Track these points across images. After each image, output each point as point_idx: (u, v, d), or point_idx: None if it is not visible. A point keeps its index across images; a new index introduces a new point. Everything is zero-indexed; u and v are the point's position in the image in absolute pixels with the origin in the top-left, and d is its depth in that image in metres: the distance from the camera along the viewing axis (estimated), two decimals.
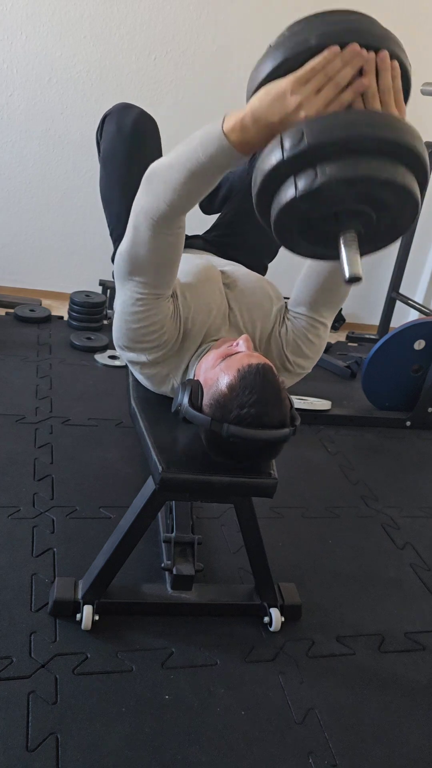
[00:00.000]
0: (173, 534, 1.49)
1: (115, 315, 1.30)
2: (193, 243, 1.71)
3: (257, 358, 1.14)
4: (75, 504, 1.71)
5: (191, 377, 1.27)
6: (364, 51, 0.87)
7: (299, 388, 2.53)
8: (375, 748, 1.22)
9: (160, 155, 1.62)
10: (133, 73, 2.88)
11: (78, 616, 1.33)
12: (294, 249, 1.06)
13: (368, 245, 1.00)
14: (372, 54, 0.88)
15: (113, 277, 1.68)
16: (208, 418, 1.11)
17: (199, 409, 1.14)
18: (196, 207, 2.03)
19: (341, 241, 0.92)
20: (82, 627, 1.32)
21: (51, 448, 1.94)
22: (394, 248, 3.41)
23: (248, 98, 0.96)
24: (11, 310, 2.90)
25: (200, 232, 1.80)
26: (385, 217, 0.94)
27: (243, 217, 1.72)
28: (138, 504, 1.29)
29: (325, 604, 1.56)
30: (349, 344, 3.44)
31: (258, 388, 1.09)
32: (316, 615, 1.51)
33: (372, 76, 0.88)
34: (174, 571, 1.41)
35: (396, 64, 0.91)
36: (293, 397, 1.20)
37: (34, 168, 2.96)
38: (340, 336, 3.55)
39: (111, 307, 3.03)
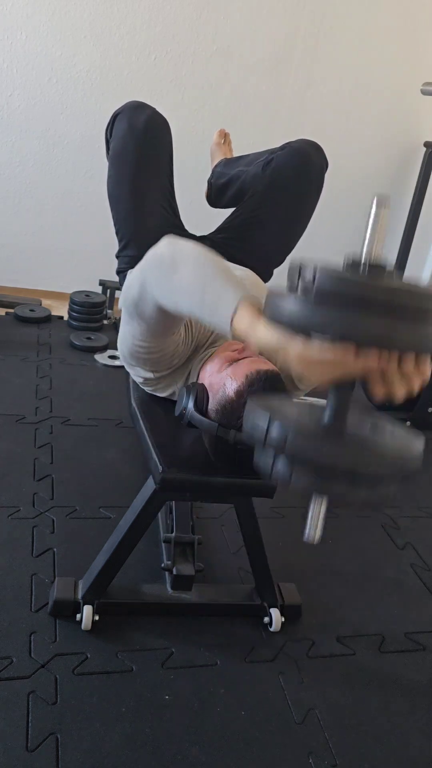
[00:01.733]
0: (173, 534, 1.49)
1: (121, 333, 1.29)
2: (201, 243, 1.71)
3: (265, 364, 1.13)
4: (75, 504, 1.71)
5: (194, 380, 1.27)
6: (385, 358, 0.77)
7: None
8: (375, 748, 1.22)
9: (170, 156, 1.63)
10: (133, 73, 2.87)
11: (78, 616, 1.33)
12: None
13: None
14: (394, 358, 0.78)
15: (117, 274, 1.69)
16: (215, 423, 1.10)
17: (205, 413, 1.14)
18: (203, 205, 2.03)
19: (311, 501, 0.87)
20: (82, 627, 1.32)
21: (51, 448, 1.94)
22: (394, 248, 3.41)
23: (264, 310, 0.87)
24: (11, 310, 2.90)
25: (206, 233, 1.79)
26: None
27: (253, 223, 1.72)
28: (138, 504, 1.29)
29: (325, 604, 1.56)
30: None
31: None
32: (316, 615, 1.51)
33: (392, 368, 0.78)
34: (174, 571, 1.41)
35: (426, 363, 0.80)
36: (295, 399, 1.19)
37: (34, 168, 2.96)
38: None
39: (111, 307, 3.03)
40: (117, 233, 1.64)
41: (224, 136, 2.21)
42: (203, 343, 1.32)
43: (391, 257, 3.47)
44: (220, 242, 1.75)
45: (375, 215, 0.77)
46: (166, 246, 1.08)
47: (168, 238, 1.10)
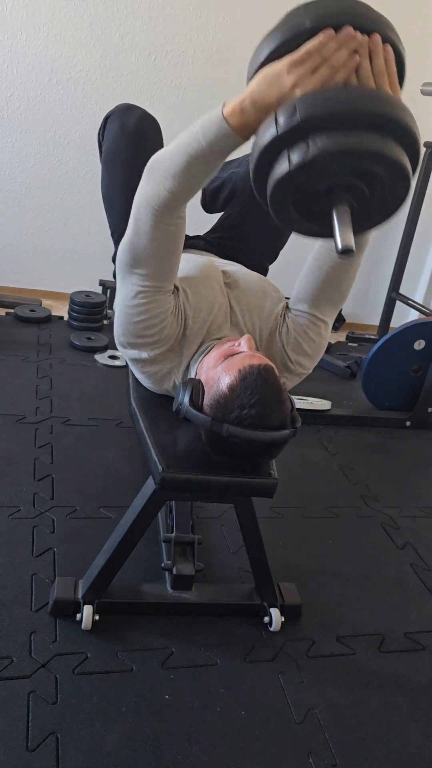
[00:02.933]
0: (173, 534, 1.49)
1: (115, 311, 1.30)
2: (194, 244, 1.71)
3: (259, 359, 1.14)
4: (75, 504, 1.71)
5: (193, 376, 1.27)
6: (358, 34, 0.90)
7: (299, 388, 2.53)
8: (375, 748, 1.22)
9: None
10: (133, 73, 2.88)
11: (78, 615, 1.33)
12: (290, 226, 1.08)
13: (362, 222, 1.02)
14: (365, 37, 0.91)
15: (114, 278, 1.69)
16: (208, 418, 1.11)
17: (200, 408, 1.14)
18: (198, 208, 2.04)
19: (334, 214, 0.94)
20: (82, 627, 1.32)
21: (51, 448, 1.94)
22: (394, 248, 3.41)
23: (248, 83, 0.99)
24: (11, 310, 2.90)
25: (201, 233, 1.80)
26: (377, 193, 0.96)
27: (245, 220, 1.73)
28: (138, 504, 1.29)
29: (325, 604, 1.56)
30: (349, 344, 3.44)
31: (259, 389, 1.09)
32: (316, 615, 1.51)
33: (365, 58, 0.91)
34: (174, 571, 1.41)
35: (389, 47, 0.93)
36: (293, 397, 1.20)
37: (34, 168, 2.96)
38: (340, 336, 3.55)
39: (111, 308, 3.03)
40: (112, 235, 1.65)
41: None
42: (197, 328, 1.30)
43: (391, 258, 3.47)
44: (213, 242, 1.76)
45: None
46: (145, 169, 1.15)
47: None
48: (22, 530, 1.58)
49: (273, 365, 1.15)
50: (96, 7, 2.73)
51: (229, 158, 1.09)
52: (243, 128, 0.99)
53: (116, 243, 1.63)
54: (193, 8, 2.82)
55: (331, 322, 1.40)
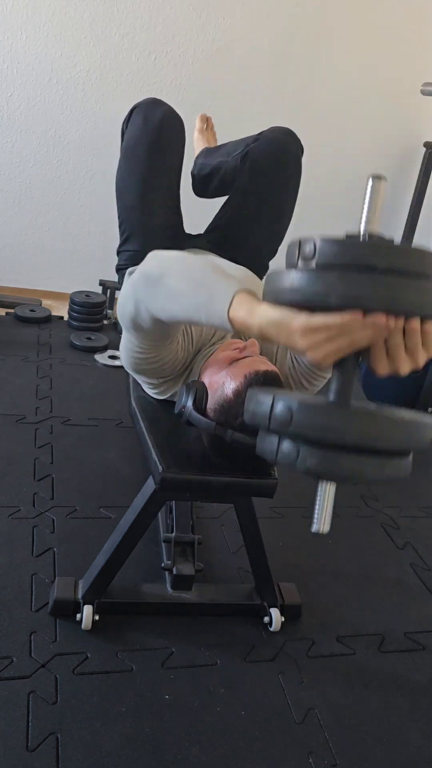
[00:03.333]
0: (173, 534, 1.49)
1: (122, 344, 1.28)
2: (198, 244, 1.71)
3: (264, 364, 1.13)
4: (75, 504, 1.71)
5: (195, 377, 1.27)
6: (392, 321, 0.75)
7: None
8: (375, 748, 1.22)
9: (181, 156, 1.64)
10: (133, 73, 2.88)
11: (78, 615, 1.33)
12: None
13: None
14: (401, 322, 0.76)
15: (117, 271, 1.69)
16: (212, 423, 1.11)
17: (203, 412, 1.14)
18: (199, 207, 2.04)
19: (318, 490, 0.86)
20: (82, 627, 1.32)
21: (51, 448, 1.94)
22: None
23: (264, 293, 0.88)
24: (11, 310, 2.90)
25: (201, 232, 1.80)
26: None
27: (239, 220, 1.73)
28: (138, 504, 1.29)
29: (325, 604, 1.56)
30: None
31: None
32: (316, 615, 1.51)
33: (398, 334, 0.77)
34: (174, 571, 1.41)
35: (429, 328, 0.78)
36: None
37: (34, 168, 2.96)
38: None
39: (111, 307, 3.03)
40: (120, 226, 1.65)
41: (206, 121, 2.21)
42: (205, 342, 1.32)
43: None
44: (214, 241, 1.76)
45: (372, 188, 0.77)
46: (151, 260, 1.08)
47: (152, 253, 1.10)
48: (22, 530, 1.58)
49: (278, 371, 1.14)
50: (96, 7, 2.73)
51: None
52: (244, 333, 0.95)
53: (122, 235, 1.64)
54: (193, 8, 2.82)
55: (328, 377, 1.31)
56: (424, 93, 2.79)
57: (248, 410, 0.90)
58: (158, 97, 1.64)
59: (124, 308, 1.14)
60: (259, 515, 1.38)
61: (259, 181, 1.68)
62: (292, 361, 1.29)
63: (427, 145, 3.13)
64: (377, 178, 0.77)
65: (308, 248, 0.77)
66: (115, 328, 2.91)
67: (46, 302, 3.09)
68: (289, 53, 2.98)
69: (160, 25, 2.82)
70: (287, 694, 1.29)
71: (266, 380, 1.09)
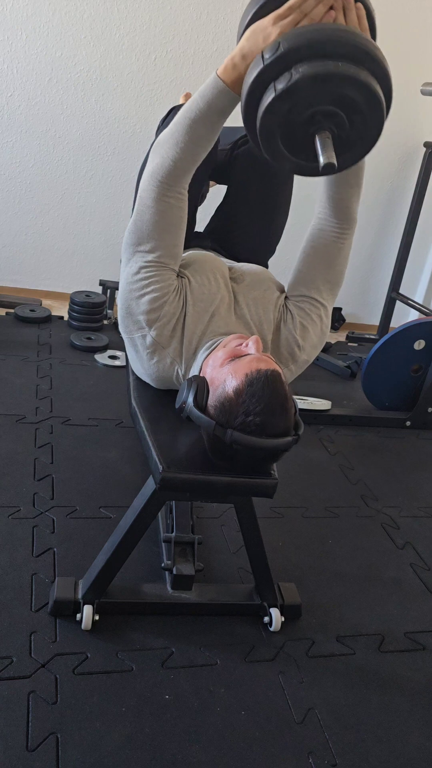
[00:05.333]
0: (173, 534, 1.49)
1: (119, 298, 1.31)
2: (202, 244, 1.71)
3: (266, 363, 1.12)
4: (75, 504, 1.71)
5: (197, 372, 1.26)
6: None
7: (300, 388, 2.54)
8: (375, 748, 1.22)
9: (208, 165, 1.63)
10: (133, 73, 2.88)
11: (78, 615, 1.33)
12: (279, 161, 1.16)
13: (344, 153, 1.11)
14: None
15: (121, 261, 1.68)
16: (212, 421, 1.10)
17: (204, 409, 1.13)
18: (207, 205, 2.04)
19: (317, 139, 1.05)
20: (82, 627, 1.32)
21: (51, 448, 1.94)
22: (394, 248, 3.42)
23: (238, 41, 1.12)
24: (11, 310, 2.90)
25: (200, 231, 1.80)
26: (356, 121, 1.06)
27: (235, 222, 1.73)
28: (138, 504, 1.29)
29: (325, 604, 1.56)
30: (349, 344, 3.44)
31: (265, 397, 1.08)
32: (316, 615, 1.51)
33: (340, 12, 1.05)
34: (174, 571, 1.41)
35: (360, 5, 1.07)
36: (295, 398, 1.19)
37: (34, 168, 2.96)
38: (340, 336, 3.55)
39: (111, 308, 3.03)
40: (133, 208, 1.65)
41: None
42: (200, 312, 1.29)
43: (391, 258, 3.47)
44: (216, 240, 1.76)
45: None
46: (152, 149, 1.24)
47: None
48: (22, 530, 1.58)
49: (280, 370, 1.13)
50: (96, 6, 2.73)
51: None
52: (237, 83, 1.11)
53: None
54: (193, 8, 2.82)
55: (329, 306, 1.42)
56: (424, 93, 2.79)
57: (244, 82, 1.07)
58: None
59: (129, 225, 1.28)
60: (259, 515, 1.38)
61: (253, 182, 1.68)
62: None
63: (427, 145, 3.13)
64: None
65: None
66: (116, 328, 2.91)
67: (46, 302, 3.09)
68: None
69: (160, 25, 2.82)
70: (287, 694, 1.29)
71: (268, 380, 1.09)
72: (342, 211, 1.35)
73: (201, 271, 1.34)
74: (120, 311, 1.32)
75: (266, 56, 1.01)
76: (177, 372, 1.31)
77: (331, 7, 1.04)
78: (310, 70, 0.99)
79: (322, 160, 1.03)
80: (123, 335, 1.34)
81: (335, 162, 1.04)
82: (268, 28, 1.05)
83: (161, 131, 1.63)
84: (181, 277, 1.31)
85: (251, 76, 1.05)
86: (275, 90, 1.02)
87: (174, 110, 1.62)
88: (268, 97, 1.03)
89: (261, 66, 1.02)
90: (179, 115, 1.18)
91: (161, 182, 1.21)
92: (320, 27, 1.03)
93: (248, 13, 1.11)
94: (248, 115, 1.10)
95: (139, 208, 1.25)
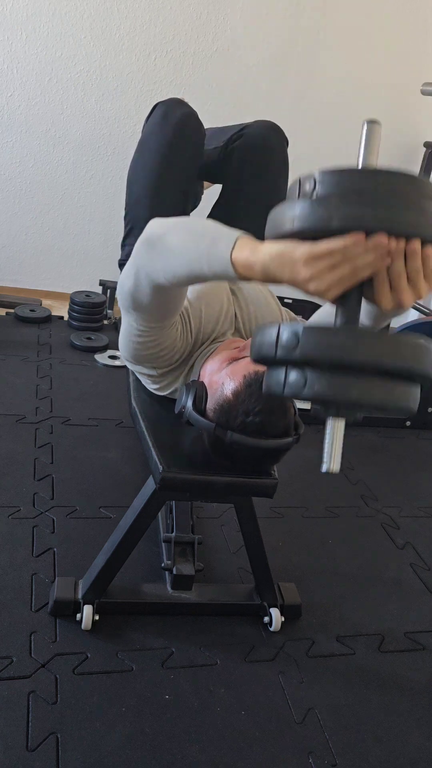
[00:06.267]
0: (173, 534, 1.49)
1: (121, 332, 1.29)
2: None
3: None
4: (75, 504, 1.71)
5: (195, 377, 1.27)
6: (393, 242, 0.76)
7: None
8: (375, 748, 1.22)
9: (195, 159, 1.63)
10: (133, 73, 2.88)
11: (78, 615, 1.33)
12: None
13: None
14: (402, 244, 0.77)
15: (119, 266, 1.69)
16: (212, 423, 1.11)
17: (203, 413, 1.14)
18: (207, 205, 2.04)
19: (327, 427, 0.84)
20: (82, 627, 1.32)
21: (51, 448, 1.94)
22: None
23: (266, 232, 0.88)
24: (11, 310, 2.90)
25: None
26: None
27: (231, 218, 1.73)
28: (138, 504, 1.29)
29: (325, 604, 1.56)
30: None
31: (264, 397, 1.08)
32: (316, 615, 1.51)
33: (399, 259, 0.79)
34: (174, 571, 1.41)
35: (430, 252, 0.79)
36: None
37: (34, 168, 2.96)
38: None
39: (111, 308, 3.03)
40: (125, 217, 1.65)
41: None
42: (205, 338, 1.32)
43: None
44: None
45: (367, 131, 0.79)
46: (151, 226, 1.07)
47: (153, 220, 1.08)
48: (22, 530, 1.58)
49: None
50: (96, 6, 2.73)
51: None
52: (247, 277, 0.92)
53: (126, 225, 1.65)
54: (193, 8, 2.82)
55: None
56: (424, 93, 2.79)
57: (254, 344, 0.89)
58: (158, 97, 1.66)
59: (123, 286, 1.13)
60: (259, 515, 1.38)
61: (247, 181, 1.68)
62: None
63: (427, 145, 3.13)
64: (372, 122, 0.79)
65: (308, 184, 0.79)
66: (115, 328, 2.90)
67: (46, 302, 3.09)
68: (289, 53, 2.98)
69: (160, 25, 2.82)
70: (287, 694, 1.29)
71: None
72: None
73: (205, 292, 1.34)
74: (123, 350, 1.30)
75: (281, 340, 0.80)
76: (176, 387, 1.34)
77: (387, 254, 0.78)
78: (327, 392, 0.79)
79: (324, 465, 0.83)
80: (126, 362, 1.35)
81: (338, 470, 0.83)
82: (299, 266, 0.81)
83: (144, 129, 1.63)
84: (184, 313, 1.27)
85: (261, 347, 0.85)
86: (284, 384, 0.83)
87: (158, 106, 1.61)
88: (276, 381, 0.84)
89: (272, 351, 0.82)
90: (183, 247, 0.99)
91: (158, 285, 1.06)
92: (350, 338, 0.77)
93: (282, 223, 0.83)
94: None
95: (136, 287, 1.09)
